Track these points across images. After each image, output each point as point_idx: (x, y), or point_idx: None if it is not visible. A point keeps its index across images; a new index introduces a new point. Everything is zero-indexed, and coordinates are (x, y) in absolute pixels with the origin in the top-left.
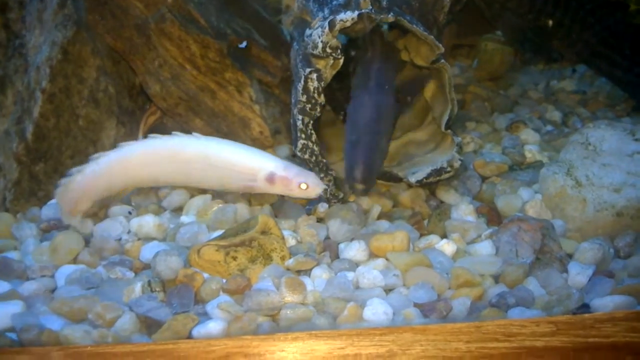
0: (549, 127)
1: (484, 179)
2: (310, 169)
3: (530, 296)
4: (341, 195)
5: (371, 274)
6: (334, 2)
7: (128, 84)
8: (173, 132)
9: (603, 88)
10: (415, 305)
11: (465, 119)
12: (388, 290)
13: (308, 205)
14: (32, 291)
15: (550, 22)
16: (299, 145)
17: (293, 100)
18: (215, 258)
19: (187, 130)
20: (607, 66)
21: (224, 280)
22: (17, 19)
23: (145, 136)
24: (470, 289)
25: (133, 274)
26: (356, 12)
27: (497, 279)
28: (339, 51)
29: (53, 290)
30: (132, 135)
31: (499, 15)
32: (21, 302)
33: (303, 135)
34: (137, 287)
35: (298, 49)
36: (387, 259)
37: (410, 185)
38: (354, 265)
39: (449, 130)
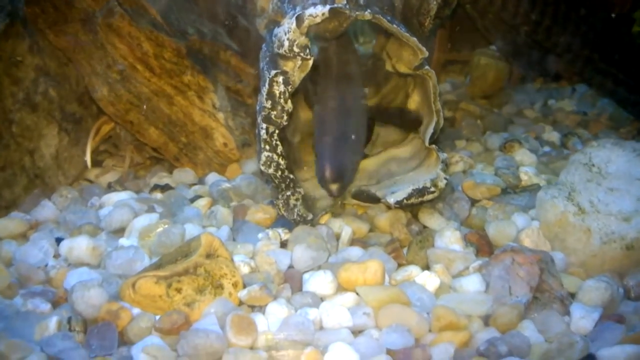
0: (546, 148)
1: (473, 202)
2: (276, 186)
3: (525, 344)
4: (310, 217)
5: (337, 312)
6: (309, 2)
7: (77, 89)
8: None
9: (605, 109)
10: (388, 352)
11: (455, 137)
12: (357, 332)
13: (272, 226)
14: None
15: (548, 36)
16: (263, 158)
17: (257, 107)
18: (155, 292)
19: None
20: (610, 85)
21: (157, 317)
22: None
23: (95, 147)
24: (455, 333)
25: (50, 307)
26: (327, 7)
27: (486, 321)
28: (307, 50)
29: None
30: (78, 145)
31: (492, 27)
32: None
33: (267, 147)
34: (52, 323)
35: (265, 50)
36: (357, 294)
37: (389, 207)
38: (318, 300)
39: (433, 146)
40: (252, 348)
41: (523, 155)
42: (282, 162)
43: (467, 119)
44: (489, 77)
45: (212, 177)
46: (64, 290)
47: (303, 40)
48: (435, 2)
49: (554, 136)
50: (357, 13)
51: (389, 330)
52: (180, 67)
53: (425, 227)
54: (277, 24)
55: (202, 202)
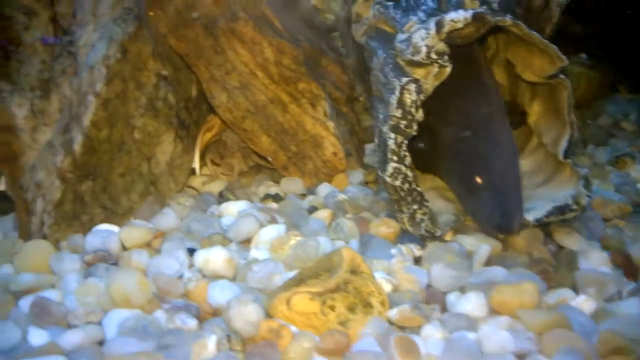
0: None
1: (605, 221)
2: (400, 199)
3: None
4: (438, 233)
5: (499, 336)
6: (423, 7)
7: (185, 95)
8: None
9: None
10: None
11: None
12: (520, 356)
13: (399, 240)
14: (76, 344)
15: None
16: (389, 169)
17: (381, 117)
18: (310, 309)
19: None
20: None
21: (317, 338)
22: (67, 13)
23: (201, 155)
24: (624, 357)
25: (196, 323)
26: (470, 12)
27: None
28: (446, 57)
29: (101, 343)
30: (189, 153)
31: (594, 34)
32: (62, 357)
33: (395, 158)
34: (211, 343)
35: (386, 57)
36: (515, 317)
37: (525, 225)
38: (472, 322)
39: (568, 160)
40: None
41: (638, 172)
42: (409, 174)
43: None
44: (580, 86)
45: (324, 187)
46: (209, 305)
47: (442, 46)
48: (558, 9)
49: None
50: (497, 19)
51: (559, 355)
52: (297, 74)
53: (561, 247)
54: (381, 31)
55: (324, 214)
